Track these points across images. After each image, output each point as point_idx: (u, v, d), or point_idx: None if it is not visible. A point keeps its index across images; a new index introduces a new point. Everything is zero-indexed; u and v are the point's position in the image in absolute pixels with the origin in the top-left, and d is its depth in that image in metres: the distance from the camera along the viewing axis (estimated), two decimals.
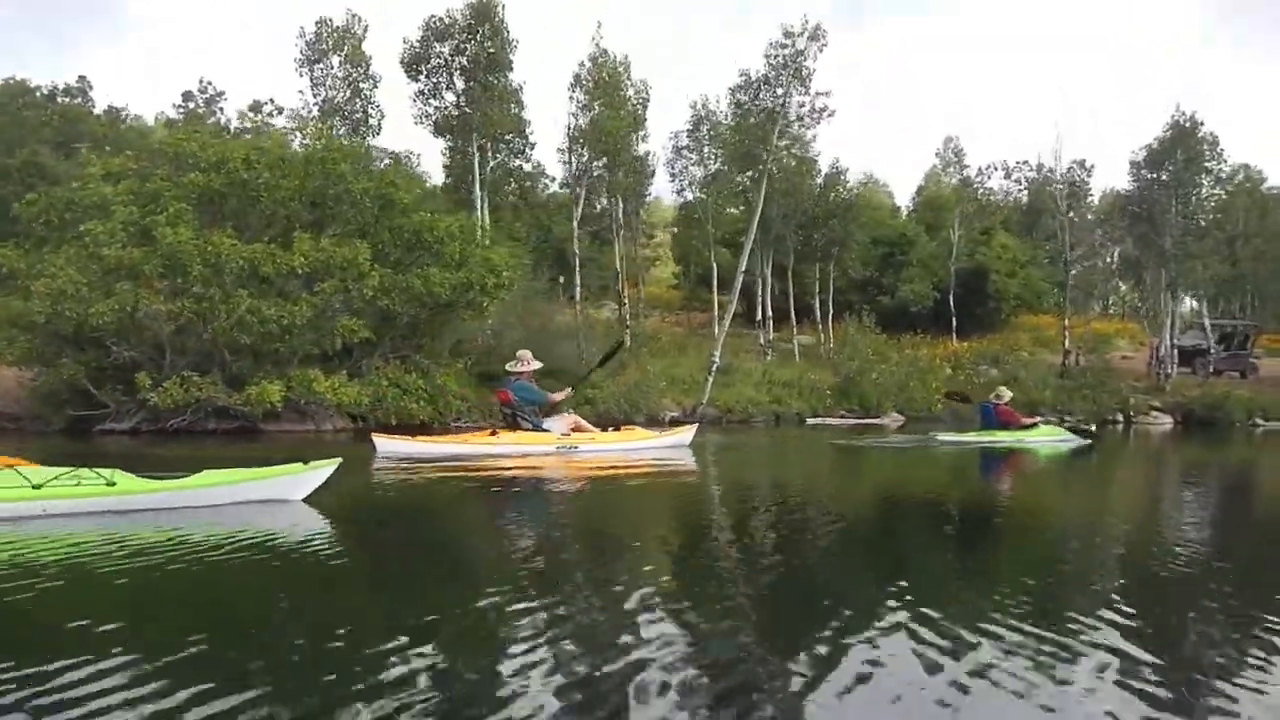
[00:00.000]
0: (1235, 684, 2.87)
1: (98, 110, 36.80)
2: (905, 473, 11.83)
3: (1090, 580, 4.71)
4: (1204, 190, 30.57)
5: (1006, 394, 16.83)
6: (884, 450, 15.35)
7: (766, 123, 23.11)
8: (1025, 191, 46.31)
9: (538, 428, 11.89)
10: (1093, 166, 34.53)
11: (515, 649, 3.06)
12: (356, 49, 21.97)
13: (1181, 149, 29.89)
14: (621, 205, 28.29)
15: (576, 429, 12.27)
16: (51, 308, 13.74)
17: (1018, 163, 41.70)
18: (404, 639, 3.18)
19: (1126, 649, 3.17)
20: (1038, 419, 17.60)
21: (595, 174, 27.28)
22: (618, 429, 13.36)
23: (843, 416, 25.73)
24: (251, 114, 22.86)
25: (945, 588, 4.57)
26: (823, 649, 3.12)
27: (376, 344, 16.56)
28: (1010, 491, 10.27)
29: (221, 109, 38.08)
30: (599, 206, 33.29)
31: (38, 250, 15.06)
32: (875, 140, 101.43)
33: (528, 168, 31.57)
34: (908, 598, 3.94)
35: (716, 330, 24.95)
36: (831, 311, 34.79)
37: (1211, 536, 6.42)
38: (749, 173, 24.92)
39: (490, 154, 24.41)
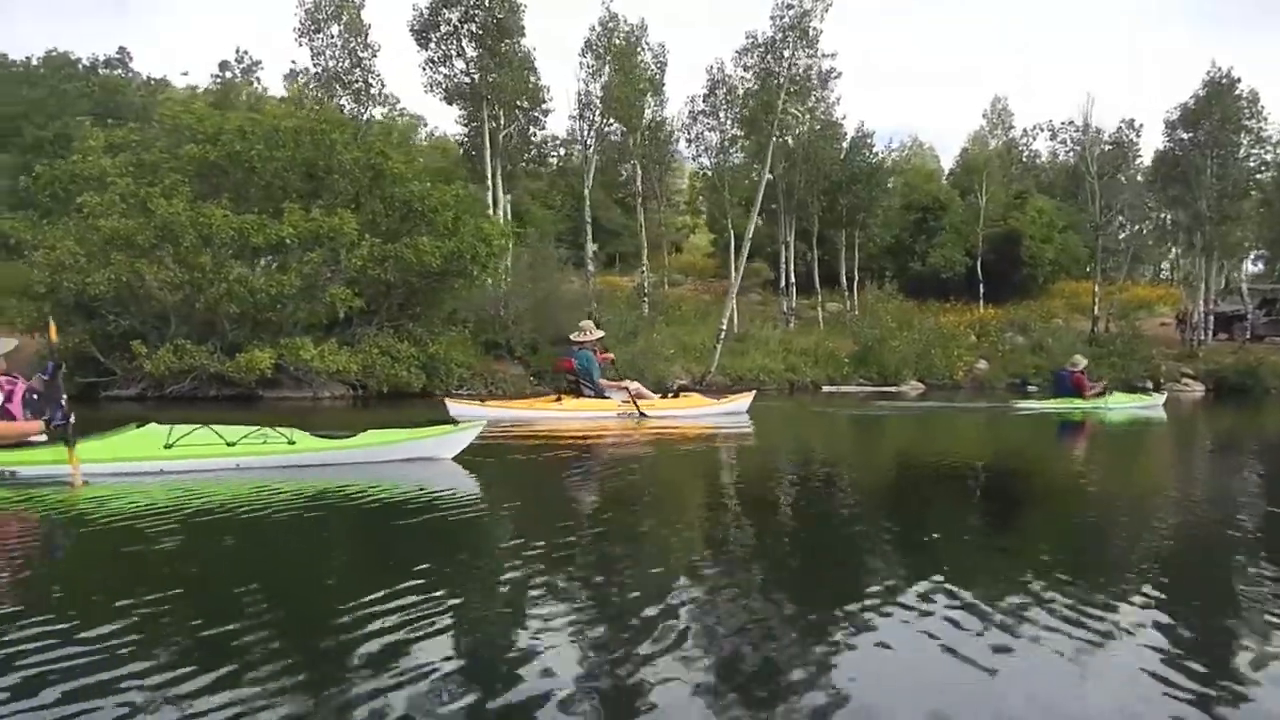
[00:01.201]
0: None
1: (138, 81, 37.52)
2: (963, 441, 11.95)
3: (1129, 553, 4.54)
4: (1241, 150, 29.43)
5: (1082, 361, 17.00)
6: (955, 416, 15.74)
7: (772, 86, 22.76)
8: (1071, 154, 45.11)
9: (600, 394, 12.20)
10: (1141, 126, 33.23)
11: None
12: (355, 18, 22.09)
13: (1218, 107, 28.88)
14: (640, 173, 28.07)
15: (638, 395, 12.47)
16: (51, 278, 14.18)
17: (1063, 123, 40.44)
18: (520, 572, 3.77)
19: (1160, 624, 3.09)
20: (1108, 386, 17.53)
21: (610, 140, 27.24)
22: (676, 395, 13.54)
23: (860, 384, 25.53)
24: (241, 75, 23.00)
25: (982, 556, 4.60)
26: (866, 617, 3.13)
27: (374, 313, 16.82)
28: (1041, 460, 10.09)
29: (259, 79, 38.72)
30: (624, 174, 33.22)
31: (44, 221, 15.52)
32: (928, 100, 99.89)
33: (548, 134, 31.50)
34: (945, 568, 3.93)
35: (729, 298, 24.73)
36: (856, 279, 34.34)
37: (1235, 506, 6.24)
38: (757, 138, 24.53)
39: (505, 121, 24.36)
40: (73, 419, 5.82)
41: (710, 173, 29.49)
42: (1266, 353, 28.99)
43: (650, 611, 3.11)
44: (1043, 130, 45.66)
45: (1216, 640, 2.95)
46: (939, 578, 3.64)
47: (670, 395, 13.41)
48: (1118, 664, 2.68)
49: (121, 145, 16.19)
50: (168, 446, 6.21)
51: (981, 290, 34.39)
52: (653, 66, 27.47)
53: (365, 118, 19.42)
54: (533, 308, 21.05)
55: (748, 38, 23.37)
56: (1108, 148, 33.08)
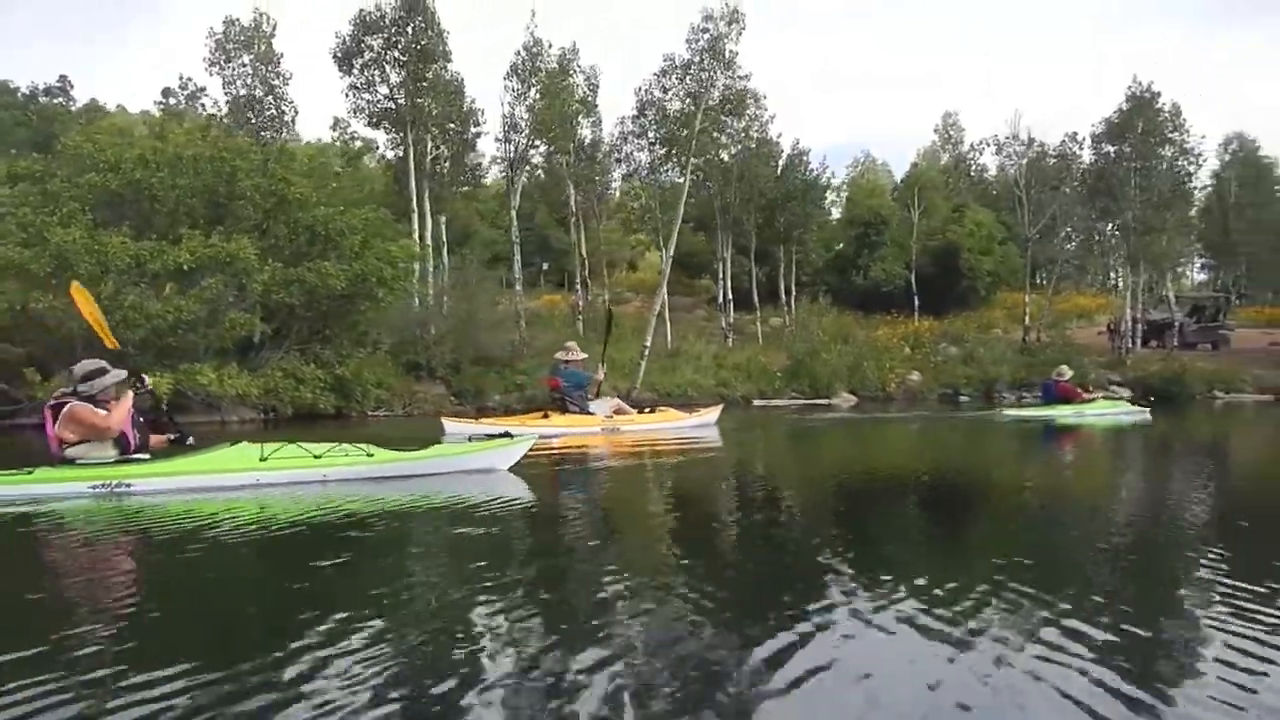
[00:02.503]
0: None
1: (77, 107, 37.53)
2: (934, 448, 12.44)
3: (1070, 558, 4.58)
4: (1164, 163, 30.09)
5: (1068, 372, 18.01)
6: (939, 426, 16.59)
7: (689, 108, 23.18)
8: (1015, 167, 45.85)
9: (584, 410, 12.96)
10: (1084, 139, 33.80)
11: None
12: (267, 48, 22.29)
13: (1141, 120, 29.57)
14: (574, 192, 28.38)
15: (618, 411, 13.40)
16: None
17: (1006, 137, 41.15)
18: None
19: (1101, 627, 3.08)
20: (1097, 394, 18.73)
21: (541, 162, 27.62)
22: (653, 411, 14.50)
23: (792, 398, 25.87)
24: (186, 102, 23.10)
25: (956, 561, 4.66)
26: (813, 627, 3.09)
27: (285, 336, 16.98)
28: (993, 466, 10.35)
29: (203, 105, 38.80)
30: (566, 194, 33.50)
31: None
32: (893, 106, 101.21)
33: (495, 155, 31.73)
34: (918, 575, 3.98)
35: (652, 315, 25.02)
36: (794, 293, 34.78)
37: (1166, 509, 6.43)
38: (682, 158, 24.92)
39: (433, 144, 24.62)
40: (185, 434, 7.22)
41: (640, 192, 29.83)
42: (1193, 360, 29.57)
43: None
44: (988, 145, 46.45)
45: (1149, 646, 2.93)
46: (890, 580, 3.76)
47: (646, 411, 14.33)
48: (1056, 670, 2.62)
49: (24, 175, 16.30)
50: (262, 460, 6.83)
51: (916, 303, 34.92)
52: (584, 88, 27.90)
53: (278, 144, 19.53)
54: (455, 328, 21.28)
55: (665, 60, 23.79)
56: (1052, 160, 33.61)
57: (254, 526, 5.36)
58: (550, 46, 25.48)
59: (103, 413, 6.41)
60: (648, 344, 23.05)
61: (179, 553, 4.64)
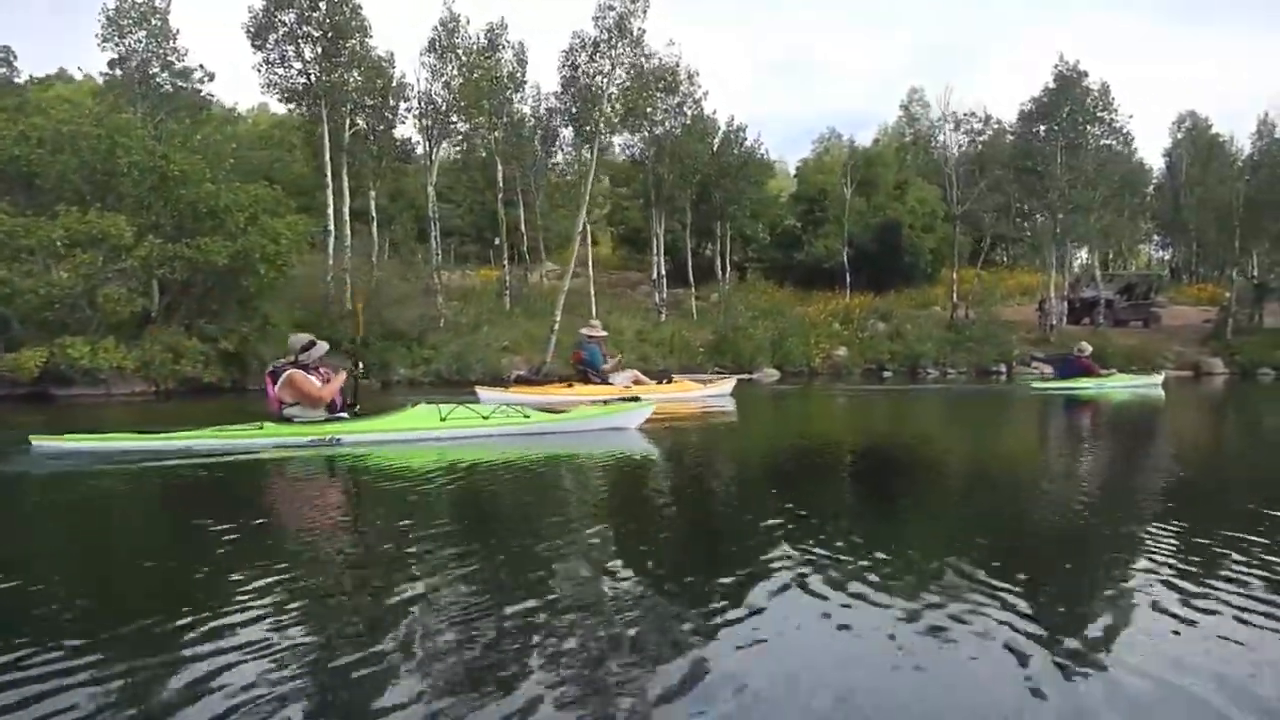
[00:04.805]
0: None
1: (22, 79, 37.28)
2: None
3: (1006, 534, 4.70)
4: (1091, 142, 30.30)
5: (1088, 348, 19.59)
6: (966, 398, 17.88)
7: (598, 84, 23.30)
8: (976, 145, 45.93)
9: (605, 380, 14.22)
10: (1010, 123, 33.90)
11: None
12: (163, 24, 22.29)
13: (1068, 100, 29.75)
14: (501, 168, 28.50)
15: (636, 381, 14.64)
16: None
17: (965, 114, 41.19)
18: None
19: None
20: (1113, 369, 20.60)
21: (461, 137, 27.78)
22: (670, 381, 15.48)
23: (716, 372, 26.16)
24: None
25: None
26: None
27: (174, 311, 17.23)
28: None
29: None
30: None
31: None
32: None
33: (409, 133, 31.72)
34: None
35: (561, 291, 25.25)
36: (728, 270, 35.02)
37: (1075, 479, 6.65)
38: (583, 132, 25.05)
39: (351, 121, 24.71)
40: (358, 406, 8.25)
41: (566, 167, 29.99)
42: (1119, 336, 29.98)
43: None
44: (947, 121, 46.50)
45: (1084, 620, 2.99)
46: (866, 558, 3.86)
47: (664, 381, 15.34)
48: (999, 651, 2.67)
49: None
50: (442, 419, 8.20)
51: (848, 279, 35.16)
52: (513, 64, 27.93)
53: (179, 120, 19.60)
54: (365, 303, 21.49)
55: (575, 37, 23.85)
56: (1010, 139, 33.69)
57: (439, 470, 6.71)
58: (468, 23, 25.50)
59: (318, 383, 7.80)
60: (557, 318, 23.28)
61: (381, 486, 6.11)
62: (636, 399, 9.70)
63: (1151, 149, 75.11)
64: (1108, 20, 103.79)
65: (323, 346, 7.98)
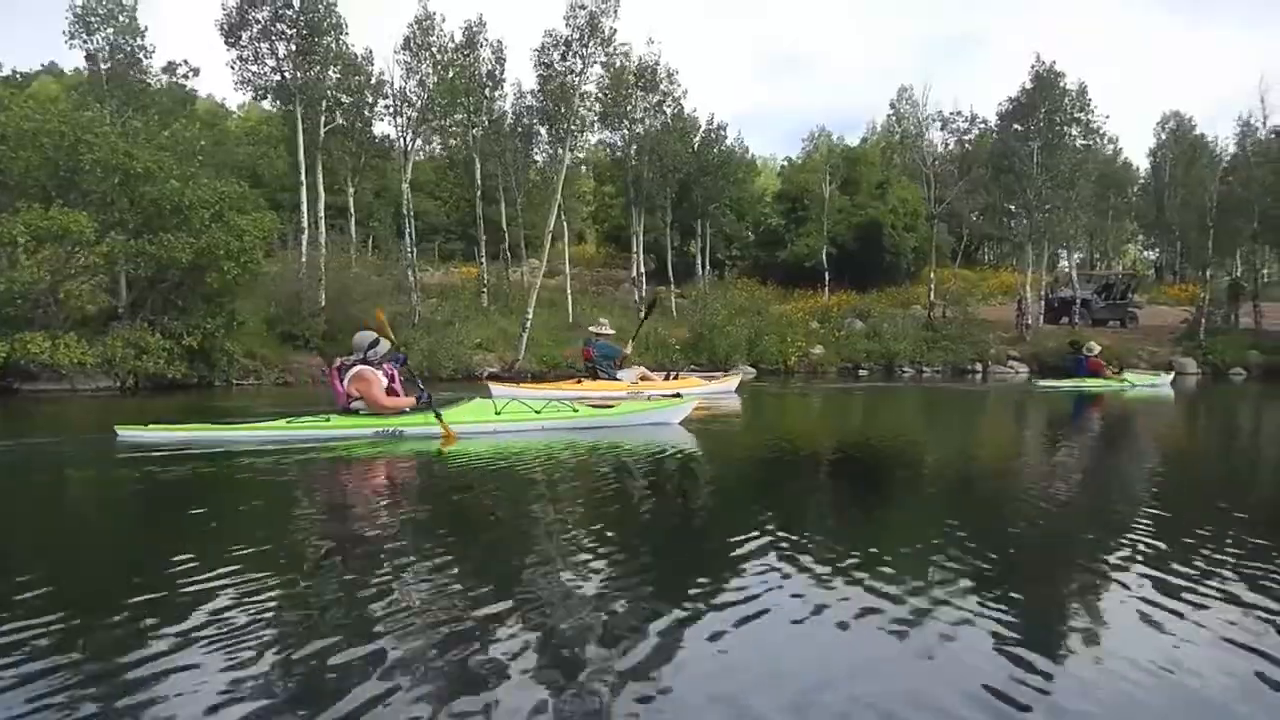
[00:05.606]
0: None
1: (5, 72, 37.31)
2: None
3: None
4: (1074, 141, 30.40)
5: (1096, 348, 20.38)
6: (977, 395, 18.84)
7: (570, 83, 23.39)
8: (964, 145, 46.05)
9: (613, 377, 14.48)
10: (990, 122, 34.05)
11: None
12: (131, 20, 22.32)
13: (1045, 100, 29.83)
14: (479, 166, 28.58)
15: (643, 377, 14.93)
16: None
17: (951, 114, 41.28)
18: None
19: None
20: (1123, 368, 21.36)
21: (430, 134, 27.91)
22: (676, 377, 16.01)
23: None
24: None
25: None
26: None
27: (140, 307, 17.32)
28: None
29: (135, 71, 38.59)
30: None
31: None
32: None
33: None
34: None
35: (533, 289, 25.32)
36: (708, 268, 35.13)
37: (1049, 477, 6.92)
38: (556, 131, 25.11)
39: (327, 119, 24.78)
40: (432, 397, 8.53)
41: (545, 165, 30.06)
42: (1093, 336, 30.04)
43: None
44: (934, 121, 46.61)
45: (1056, 623, 3.05)
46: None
47: (671, 377, 15.82)
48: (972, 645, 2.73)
49: None
50: (497, 413, 8.71)
51: (826, 278, 35.28)
52: (492, 62, 28.00)
53: (147, 118, 19.61)
54: (331, 300, 21.63)
55: (547, 36, 23.95)
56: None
57: (496, 457, 7.46)
58: (444, 20, 25.57)
59: (384, 381, 8.31)
60: (529, 316, 23.37)
61: (440, 474, 6.93)
62: (678, 395, 10.74)
63: (1138, 149, 75.18)
64: (1108, 19, 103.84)
65: (385, 344, 8.49)
